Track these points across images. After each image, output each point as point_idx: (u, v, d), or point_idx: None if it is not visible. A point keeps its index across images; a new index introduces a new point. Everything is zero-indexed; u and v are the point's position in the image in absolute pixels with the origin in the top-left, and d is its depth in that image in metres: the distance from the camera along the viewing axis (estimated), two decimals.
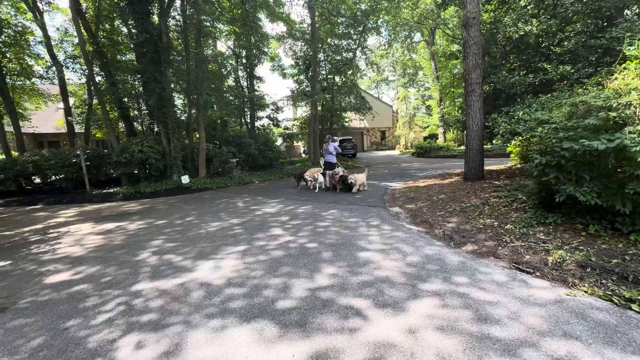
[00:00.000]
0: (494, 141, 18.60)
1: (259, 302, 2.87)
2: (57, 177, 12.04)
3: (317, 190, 9.09)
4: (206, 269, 3.74)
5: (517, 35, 7.31)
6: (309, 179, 9.27)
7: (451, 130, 25.17)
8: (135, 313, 2.82)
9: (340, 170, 9.03)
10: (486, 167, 9.75)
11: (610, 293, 2.63)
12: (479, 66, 7.25)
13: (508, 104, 7.22)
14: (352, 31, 17.97)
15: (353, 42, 18.40)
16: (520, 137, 6.29)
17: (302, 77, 18.80)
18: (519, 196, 5.48)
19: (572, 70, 6.35)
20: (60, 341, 2.48)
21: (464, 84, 7.80)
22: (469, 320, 2.41)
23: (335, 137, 24.04)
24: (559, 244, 3.68)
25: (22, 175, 11.78)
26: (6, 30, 14.93)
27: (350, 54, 18.64)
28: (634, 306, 2.43)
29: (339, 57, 18.54)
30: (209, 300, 2.98)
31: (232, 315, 2.69)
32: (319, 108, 18.41)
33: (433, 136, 31.17)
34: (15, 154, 14.85)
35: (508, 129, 6.06)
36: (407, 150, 28.54)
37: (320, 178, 9.21)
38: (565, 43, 6.82)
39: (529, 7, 7.47)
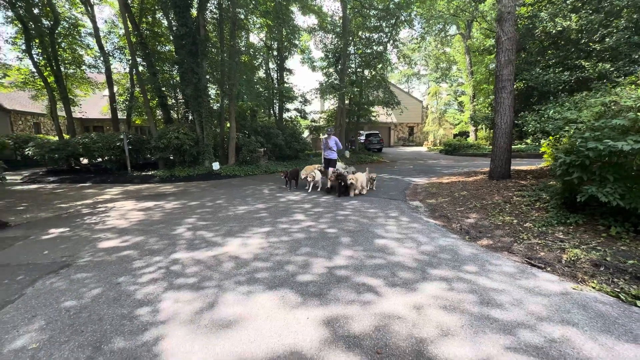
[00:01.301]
0: (527, 141, 17.82)
1: (281, 275, 3.21)
2: (103, 158, 13.14)
3: (309, 190, 7.97)
4: (235, 245, 4.15)
5: (554, 31, 7.03)
6: (308, 179, 7.98)
7: (483, 128, 24.32)
8: (174, 276, 3.27)
9: (341, 169, 8.09)
10: (516, 167, 9.53)
11: (618, 290, 2.70)
12: (511, 62, 7.09)
13: (540, 103, 7.02)
14: (383, 24, 17.74)
15: (384, 35, 18.18)
16: (551, 137, 6.14)
17: (331, 70, 18.89)
18: (543, 196, 5.43)
19: (612, 69, 6.06)
20: (114, 292, 2.96)
21: (494, 80, 7.65)
22: (472, 302, 2.60)
23: (361, 132, 24.04)
24: (577, 244, 3.71)
25: (72, 155, 12.98)
26: (62, 23, 16.29)
27: (381, 47, 18.44)
28: (639, 302, 2.50)
29: (369, 51, 18.41)
30: (238, 270, 3.37)
31: (258, 283, 3.05)
32: (347, 101, 18.47)
33: (464, 134, 30.22)
34: (66, 136, 16.30)
35: (537, 128, 5.95)
36: (435, 147, 27.91)
37: (319, 176, 8.17)
38: (607, 39, 6.48)
39: (569, 2, 7.13)
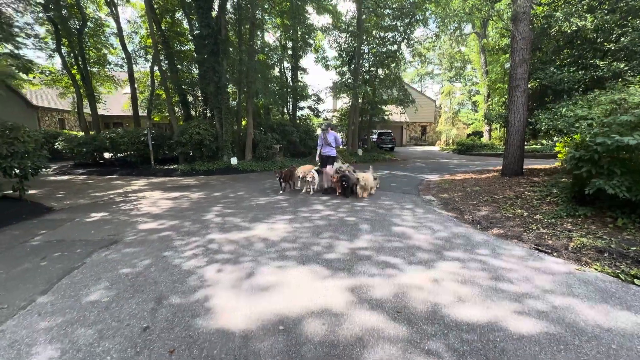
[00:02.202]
0: (543, 141, 17.74)
1: (308, 253, 3.56)
2: (127, 153, 13.78)
3: (311, 193, 7.08)
4: (262, 229, 4.52)
5: (569, 30, 7.15)
6: (308, 178, 6.97)
7: (497, 128, 24.16)
8: (213, 252, 3.65)
9: (342, 166, 7.41)
10: (531, 166, 9.63)
11: (618, 271, 2.94)
12: (525, 62, 7.25)
13: (555, 101, 7.16)
14: (398, 23, 17.90)
15: (398, 35, 18.34)
16: (566, 138, 6.29)
17: (344, 68, 19.15)
18: (554, 191, 5.61)
19: (626, 68, 6.17)
20: (162, 263, 3.36)
21: (508, 79, 7.81)
22: (484, 278, 2.89)
23: (373, 130, 24.18)
24: (584, 233, 3.93)
25: (99, 149, 13.68)
26: (89, 24, 17.08)
27: (395, 46, 18.61)
28: (637, 281, 2.75)
29: (383, 50, 18.60)
30: (269, 249, 3.73)
31: (289, 259, 3.40)
32: (360, 100, 18.71)
33: (477, 133, 30.00)
34: (91, 132, 17.09)
35: (550, 125, 6.12)
36: (447, 147, 27.85)
37: (317, 177, 7.31)
38: (622, 39, 6.57)
39: (585, 2, 7.23)
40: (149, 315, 2.35)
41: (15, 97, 19.57)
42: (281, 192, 7.38)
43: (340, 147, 7.65)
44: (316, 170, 7.38)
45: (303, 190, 7.38)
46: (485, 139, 25.38)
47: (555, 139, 6.45)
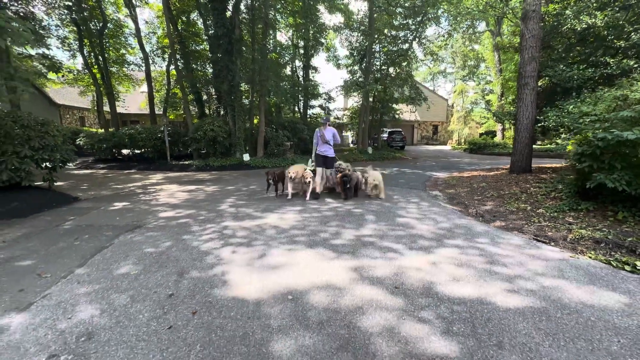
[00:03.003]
0: (558, 141, 17.48)
1: (316, 239, 3.81)
2: (144, 149, 14.32)
3: (307, 198, 6.12)
4: (273, 218, 4.79)
5: (580, 28, 7.15)
6: (307, 179, 6.07)
7: (510, 127, 23.83)
8: (227, 237, 3.95)
9: (341, 164, 6.68)
10: (541, 165, 9.62)
11: (611, 259, 3.07)
12: (534, 59, 7.29)
13: (563, 99, 7.18)
14: (410, 22, 17.93)
15: (410, 33, 18.37)
16: (577, 136, 6.32)
17: (356, 67, 19.30)
18: (559, 187, 5.69)
19: (635, 65, 6.16)
20: (181, 245, 3.67)
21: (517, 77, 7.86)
22: (480, 262, 3.08)
23: (384, 129, 24.21)
24: (584, 226, 4.04)
25: (118, 146, 14.27)
26: (109, 25, 17.77)
27: (407, 44, 18.64)
28: (627, 267, 2.88)
29: (394, 48, 18.66)
30: (279, 235, 4.00)
31: (298, 244, 3.66)
32: (371, 99, 18.82)
33: (490, 133, 29.62)
34: (110, 129, 17.79)
35: (558, 122, 6.17)
36: (459, 146, 27.62)
37: (316, 178, 6.26)
38: (633, 36, 6.54)
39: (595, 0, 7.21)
40: (173, 285, 2.65)
41: (40, 96, 20.55)
42: (270, 193, 6.53)
43: (339, 143, 6.66)
44: (312, 171, 6.41)
45: (289, 196, 6.25)
46: (498, 138, 25.07)
47: (562, 136, 6.48)
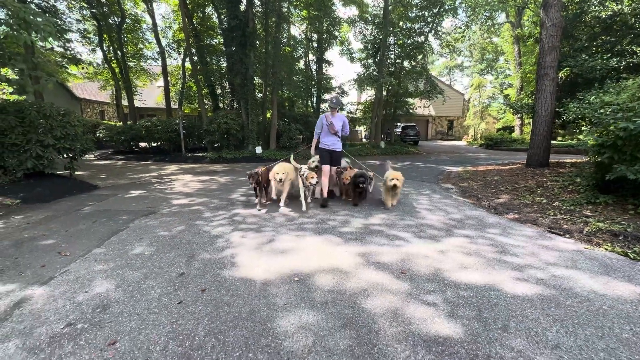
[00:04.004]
0: (580, 137, 16.82)
1: (325, 227, 3.84)
2: (160, 142, 14.66)
3: (304, 208, 4.60)
4: (283, 207, 4.84)
5: (604, 15, 6.82)
6: (309, 181, 4.56)
7: (530, 123, 23.07)
8: (238, 223, 4.02)
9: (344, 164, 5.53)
10: (561, 160, 9.29)
11: (628, 251, 2.96)
12: (555, 49, 7.02)
13: (585, 90, 6.89)
14: (426, 13, 17.53)
15: (426, 25, 17.96)
16: (600, 127, 6.06)
17: (369, 61, 19.05)
18: (577, 180, 5.50)
19: None
20: (193, 229, 3.77)
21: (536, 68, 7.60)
22: (490, 251, 3.03)
23: (397, 124, 23.83)
24: (602, 219, 3.90)
25: (135, 138, 14.66)
26: (127, 20, 18.17)
27: (422, 37, 18.24)
28: None
29: (409, 41, 18.31)
30: (288, 222, 4.05)
31: (306, 231, 3.70)
32: (385, 93, 18.58)
33: (508, 128, 28.82)
34: (129, 122, 18.29)
35: (578, 114, 5.94)
36: (475, 142, 26.99)
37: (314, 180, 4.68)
38: None
39: None
40: (184, 265, 2.73)
41: (62, 90, 21.27)
42: (258, 208, 4.72)
43: (348, 134, 5.46)
44: (310, 169, 5.08)
45: (282, 203, 4.75)
46: (516, 133, 24.34)
47: (583, 129, 6.24)
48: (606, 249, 3.07)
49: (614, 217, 3.95)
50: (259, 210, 4.63)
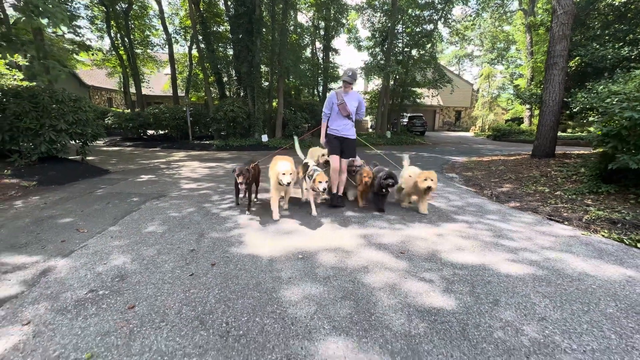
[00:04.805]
0: (590, 129, 16.58)
1: (329, 211, 3.96)
2: (167, 130, 14.83)
3: (314, 213, 3.81)
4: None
5: (618, 2, 6.66)
6: (317, 188, 3.62)
7: (538, 112, 22.70)
8: (244, 206, 4.16)
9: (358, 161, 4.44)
10: (568, 151, 9.23)
11: (624, 237, 3.03)
12: (566, 37, 6.91)
13: (594, 80, 6.81)
14: (436, 0, 17.18)
15: (435, 13, 17.61)
16: (605, 117, 6.00)
17: (377, 49, 18.81)
18: (581, 170, 5.51)
19: None
20: (203, 211, 3.92)
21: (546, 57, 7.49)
22: (487, 235, 3.13)
23: (404, 114, 23.59)
24: (602, 208, 3.95)
25: (143, 125, 14.85)
26: (134, 7, 18.13)
27: (431, 25, 17.91)
28: (639, 244, 2.85)
29: (418, 29, 18.01)
30: (294, 205, 4.18)
31: (312, 215, 3.83)
32: (392, 82, 18.40)
33: (516, 119, 28.35)
34: (136, 110, 18.47)
35: (586, 104, 5.90)
36: (482, 133, 26.71)
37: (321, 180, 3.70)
38: None
39: None
40: (195, 242, 2.89)
41: (71, 77, 21.44)
42: (247, 211, 3.92)
43: (363, 117, 4.48)
44: (316, 163, 4.32)
45: (276, 214, 3.64)
46: (525, 125, 23.97)
47: (590, 119, 6.20)
48: (603, 236, 3.15)
49: (614, 206, 3.99)
50: (247, 213, 3.85)
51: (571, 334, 1.68)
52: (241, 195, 4.31)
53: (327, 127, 4.19)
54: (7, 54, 6.21)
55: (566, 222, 3.58)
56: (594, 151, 8.42)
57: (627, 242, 2.93)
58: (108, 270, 2.35)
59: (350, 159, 4.29)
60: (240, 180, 3.57)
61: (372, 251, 2.73)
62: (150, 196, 4.66)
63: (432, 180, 3.64)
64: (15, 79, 7.71)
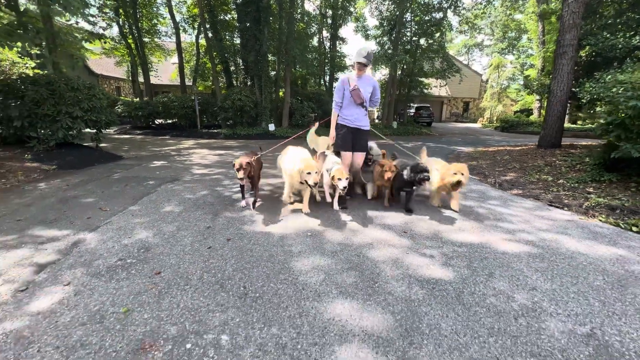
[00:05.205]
0: (600, 121, 16.36)
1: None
2: (176, 119, 15.01)
3: (336, 207, 3.57)
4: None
5: None
6: (340, 185, 3.15)
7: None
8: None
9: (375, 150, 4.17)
10: (578, 142, 9.21)
11: (621, 222, 3.15)
12: (576, 26, 6.85)
13: (604, 70, 6.77)
14: None
15: (445, 1, 17.32)
16: (612, 108, 6.00)
17: (385, 38, 18.61)
18: (586, 160, 5.57)
19: None
20: (215, 194, 4.12)
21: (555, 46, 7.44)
22: (487, 218, 3.27)
23: (411, 104, 23.42)
24: (603, 195, 4.05)
25: (152, 114, 15.08)
26: None
27: (441, 13, 17.63)
28: (634, 228, 2.97)
29: (427, 18, 17.75)
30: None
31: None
32: (399, 72, 18.26)
33: (525, 111, 27.96)
34: (145, 99, 18.68)
35: (593, 94, 5.90)
36: (490, 124, 26.44)
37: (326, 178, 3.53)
38: None
39: None
40: (210, 221, 3.09)
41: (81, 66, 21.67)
42: (243, 203, 3.64)
43: (377, 106, 4.14)
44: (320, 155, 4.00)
45: (305, 210, 3.42)
46: (534, 116, 23.67)
47: (598, 109, 6.20)
48: (600, 220, 3.27)
49: (615, 193, 4.08)
50: (251, 208, 3.48)
51: (558, 302, 1.83)
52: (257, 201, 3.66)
53: (342, 118, 3.66)
54: (26, 44, 6.39)
55: (566, 208, 3.70)
56: (601, 142, 8.42)
57: (622, 226, 3.05)
58: (133, 243, 2.56)
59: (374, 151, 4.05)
60: (240, 175, 3.15)
61: (377, 230, 2.90)
62: (165, 180, 4.87)
63: (462, 174, 3.21)
64: (27, 67, 7.90)
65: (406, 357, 1.40)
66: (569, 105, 7.32)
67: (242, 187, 3.69)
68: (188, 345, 1.46)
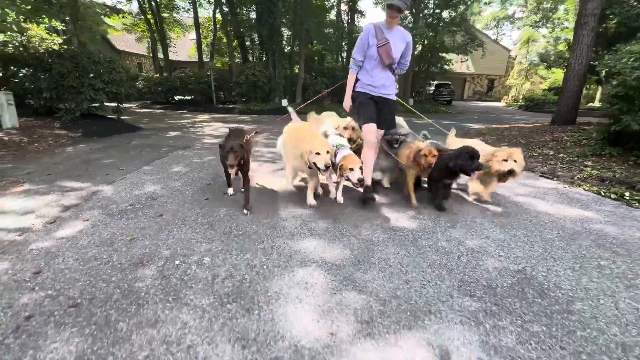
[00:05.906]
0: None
1: None
2: (193, 95, 15.43)
3: (339, 198, 2.88)
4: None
5: None
6: (353, 176, 2.40)
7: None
8: (257, 156, 4.66)
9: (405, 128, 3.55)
10: (593, 120, 8.85)
11: (603, 190, 3.22)
12: None
13: (626, 42, 6.39)
14: None
15: None
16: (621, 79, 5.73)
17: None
18: (593, 135, 5.46)
19: None
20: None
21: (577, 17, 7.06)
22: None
23: (431, 82, 22.60)
24: (598, 168, 4.06)
25: (171, 89, 15.58)
26: None
27: None
28: (613, 196, 3.05)
29: None
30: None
31: None
32: (419, 47, 17.63)
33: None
34: (165, 74, 19.17)
35: (610, 67, 5.66)
36: (514, 103, 25.25)
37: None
38: None
39: None
40: (211, 179, 3.44)
41: (102, 41, 22.31)
42: (231, 190, 3.01)
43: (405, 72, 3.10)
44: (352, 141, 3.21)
45: (310, 202, 2.74)
46: None
47: (614, 82, 5.95)
48: (584, 189, 3.35)
49: (612, 167, 4.08)
50: (245, 212, 2.53)
51: (504, 247, 2.04)
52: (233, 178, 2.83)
53: (363, 85, 2.81)
54: (53, 19, 6.79)
55: (555, 179, 3.77)
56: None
57: (602, 194, 3.13)
58: (142, 194, 2.95)
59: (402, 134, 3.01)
60: (230, 161, 2.40)
61: (358, 192, 3.14)
62: (177, 147, 5.27)
63: (515, 160, 2.50)
64: (55, 43, 8.36)
65: (351, 278, 1.69)
66: (588, 79, 7.00)
67: (227, 175, 2.85)
68: (176, 262, 1.81)
